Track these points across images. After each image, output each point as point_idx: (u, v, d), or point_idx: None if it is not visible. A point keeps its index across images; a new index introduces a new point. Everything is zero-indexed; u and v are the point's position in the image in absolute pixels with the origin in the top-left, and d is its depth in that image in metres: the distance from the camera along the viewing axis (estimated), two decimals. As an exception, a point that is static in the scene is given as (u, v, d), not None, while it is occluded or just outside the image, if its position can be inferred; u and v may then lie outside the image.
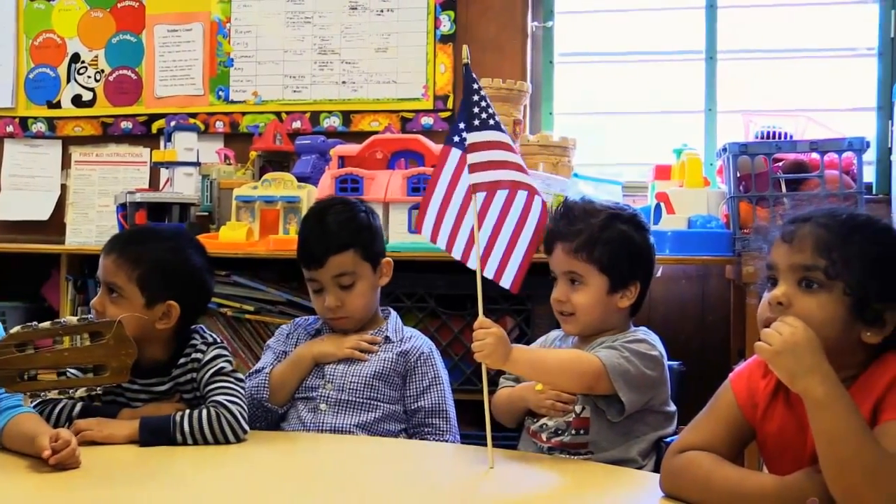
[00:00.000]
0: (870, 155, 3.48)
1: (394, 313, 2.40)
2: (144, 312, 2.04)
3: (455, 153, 1.92)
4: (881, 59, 3.63)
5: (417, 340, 2.35)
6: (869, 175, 3.57)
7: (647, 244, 2.11)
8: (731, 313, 3.34)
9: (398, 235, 3.01)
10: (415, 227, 2.00)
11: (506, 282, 1.95)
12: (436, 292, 3.06)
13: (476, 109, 1.88)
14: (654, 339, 2.05)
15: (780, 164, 3.06)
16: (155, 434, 1.95)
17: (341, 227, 2.30)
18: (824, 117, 3.45)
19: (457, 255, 1.95)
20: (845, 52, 3.78)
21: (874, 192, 3.58)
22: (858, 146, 2.96)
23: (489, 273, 1.94)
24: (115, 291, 2.05)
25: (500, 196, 1.92)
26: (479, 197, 1.90)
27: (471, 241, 1.91)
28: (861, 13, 3.73)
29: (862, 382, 1.49)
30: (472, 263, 1.91)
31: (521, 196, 1.92)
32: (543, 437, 2.03)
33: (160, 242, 2.14)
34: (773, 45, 3.84)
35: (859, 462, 1.35)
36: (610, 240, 2.03)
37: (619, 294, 2.05)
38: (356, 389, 2.24)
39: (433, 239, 1.96)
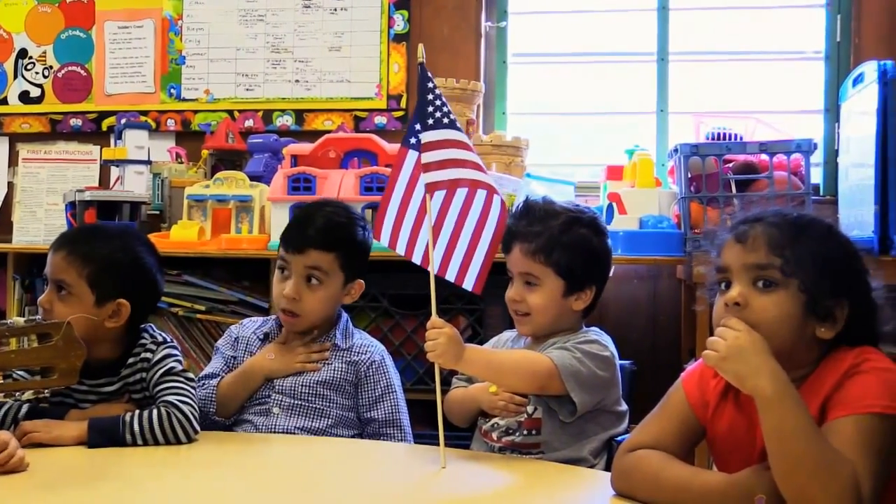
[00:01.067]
0: (817, 157, 3.53)
1: (344, 315, 2.37)
2: (93, 311, 2.01)
3: (412, 155, 1.89)
4: (828, 62, 3.69)
5: (368, 348, 2.30)
6: (816, 176, 3.62)
7: (604, 248, 2.12)
8: (682, 313, 3.37)
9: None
10: (373, 237, 1.96)
11: (468, 283, 1.93)
12: (389, 292, 3.05)
13: (430, 108, 1.86)
14: (605, 339, 2.06)
15: (730, 165, 3.10)
16: (104, 435, 1.92)
17: (337, 227, 2.27)
18: (773, 119, 3.50)
19: (417, 259, 1.93)
20: (793, 56, 3.84)
21: (821, 193, 3.63)
22: (806, 148, 3.01)
23: (451, 276, 1.93)
24: (63, 289, 2.02)
25: (460, 195, 1.90)
26: (439, 196, 1.89)
27: (431, 244, 1.89)
28: (809, 17, 3.79)
29: (812, 380, 1.51)
30: (434, 267, 1.89)
31: (481, 195, 1.90)
32: (494, 436, 2.04)
33: (111, 240, 2.11)
34: (723, 48, 3.89)
35: (808, 460, 1.36)
36: (569, 244, 2.03)
37: (575, 297, 2.06)
38: (306, 397, 2.22)
39: (392, 245, 1.94)
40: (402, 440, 2.24)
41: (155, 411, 1.96)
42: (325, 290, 2.24)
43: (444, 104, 1.87)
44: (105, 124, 3.99)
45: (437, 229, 1.90)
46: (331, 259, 2.24)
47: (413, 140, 1.89)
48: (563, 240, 2.03)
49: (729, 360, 1.44)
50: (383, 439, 2.23)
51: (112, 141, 3.72)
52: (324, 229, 2.25)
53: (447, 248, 1.92)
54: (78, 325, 1.81)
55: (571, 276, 2.04)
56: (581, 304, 2.07)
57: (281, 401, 2.22)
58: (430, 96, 1.87)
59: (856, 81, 3.17)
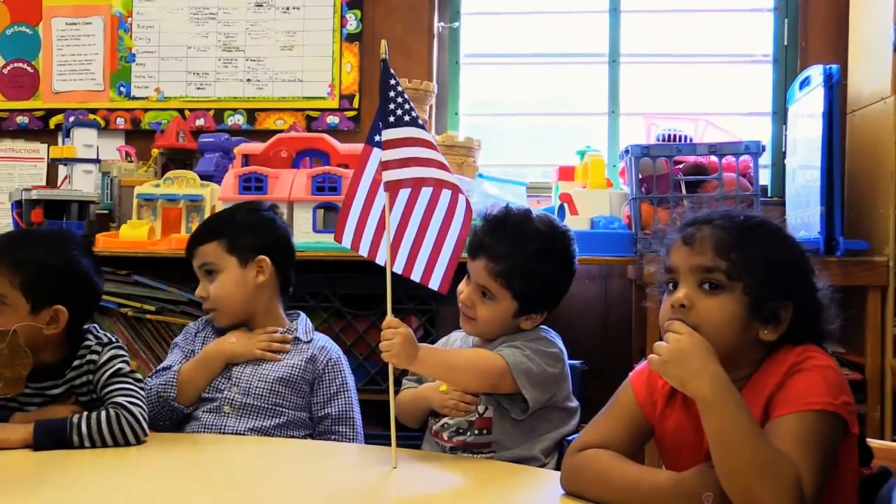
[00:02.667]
0: (765, 159, 3.59)
1: (303, 315, 2.40)
2: (30, 319, 1.97)
3: (376, 153, 1.87)
4: (776, 65, 3.74)
5: (326, 345, 2.33)
6: (764, 178, 3.68)
7: (567, 280, 2.11)
8: (632, 312, 3.40)
9: (303, 235, 2.99)
10: (334, 239, 1.95)
11: (434, 284, 1.92)
12: (340, 292, 3.05)
13: (392, 106, 1.84)
14: (553, 336, 2.08)
15: (681, 166, 3.13)
16: (50, 437, 1.89)
17: (213, 219, 2.41)
18: (723, 121, 3.54)
19: (381, 260, 1.90)
20: (742, 59, 3.89)
21: (769, 194, 3.69)
22: (755, 150, 3.05)
23: (416, 276, 1.92)
24: None
25: (425, 195, 1.88)
26: (404, 194, 1.87)
27: (395, 244, 1.88)
28: (757, 21, 3.84)
29: (755, 380, 1.53)
30: (398, 267, 1.89)
31: (446, 195, 1.89)
32: (445, 436, 2.04)
33: (41, 245, 2.06)
34: (674, 50, 3.93)
35: (750, 460, 1.38)
36: (533, 274, 2.01)
37: (525, 318, 2.07)
38: (261, 394, 2.22)
39: (355, 247, 1.92)
40: (353, 438, 2.25)
41: (103, 412, 1.94)
42: (223, 276, 2.31)
43: (406, 101, 1.85)
44: (53, 122, 3.93)
45: (401, 229, 1.88)
46: (214, 248, 2.32)
47: (377, 138, 1.86)
48: (528, 270, 2.01)
49: (670, 364, 1.46)
50: (335, 437, 2.24)
51: (60, 139, 3.67)
52: (202, 227, 2.40)
53: (412, 249, 1.90)
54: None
55: (526, 301, 2.04)
56: (529, 324, 2.08)
57: (233, 398, 2.22)
58: (392, 93, 1.85)
59: (802, 84, 3.22)
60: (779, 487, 1.36)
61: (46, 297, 2.00)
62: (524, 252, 2.02)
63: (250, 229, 2.36)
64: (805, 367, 1.49)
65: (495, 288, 2.03)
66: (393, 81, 1.86)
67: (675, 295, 1.55)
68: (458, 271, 2.00)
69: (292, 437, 2.21)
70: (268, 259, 2.33)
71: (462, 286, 2.09)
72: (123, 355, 2.08)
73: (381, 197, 1.87)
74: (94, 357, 2.06)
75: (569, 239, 2.11)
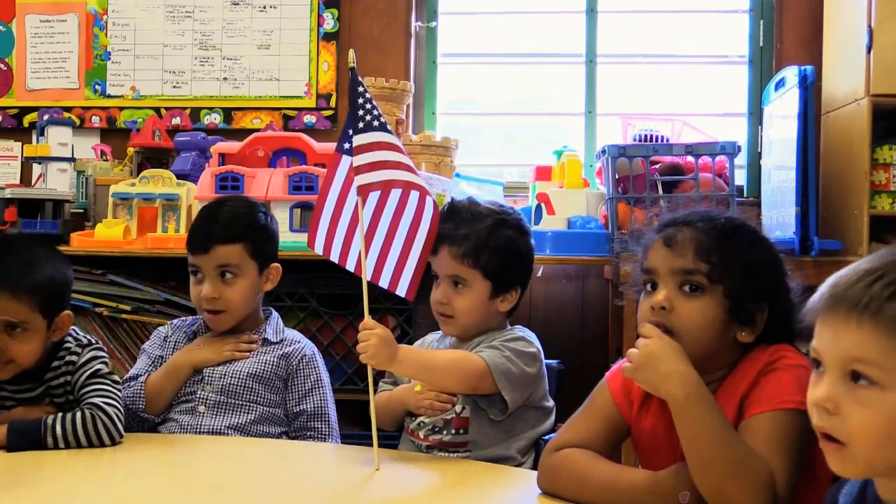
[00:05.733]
0: (741, 159, 3.61)
1: (275, 314, 2.37)
2: (47, 334, 1.99)
3: (346, 160, 1.88)
4: (751, 66, 3.77)
5: (299, 343, 2.31)
6: (740, 178, 3.70)
7: (529, 249, 2.13)
8: (609, 312, 3.41)
9: (280, 234, 2.98)
10: (307, 244, 1.95)
11: (401, 290, 1.93)
12: (317, 291, 3.04)
13: (361, 112, 1.86)
14: (530, 336, 2.08)
15: (657, 166, 3.14)
16: (24, 437, 1.88)
17: (236, 218, 2.26)
18: (699, 122, 3.56)
19: (350, 266, 1.91)
20: (718, 60, 3.92)
21: (745, 194, 3.71)
22: (731, 150, 3.07)
23: (384, 283, 1.92)
24: (17, 327, 1.94)
25: (394, 197, 1.89)
26: (374, 198, 1.88)
27: (364, 250, 1.88)
28: (733, 23, 3.86)
29: (730, 380, 1.54)
30: (368, 274, 1.89)
31: (414, 197, 1.90)
32: (421, 434, 2.04)
33: (43, 261, 2.03)
34: (650, 51, 3.95)
35: (723, 459, 1.38)
36: (496, 247, 2.03)
37: (501, 298, 2.07)
38: (234, 391, 2.20)
39: (326, 253, 1.92)
40: (328, 434, 2.24)
41: (79, 413, 1.92)
42: (243, 281, 2.24)
43: (374, 107, 1.87)
44: (27, 120, 3.91)
45: (370, 235, 1.89)
46: (238, 251, 2.23)
47: (346, 145, 1.88)
48: (491, 243, 2.03)
49: (641, 370, 1.47)
50: (311, 434, 2.23)
51: (34, 137, 3.65)
52: (224, 224, 2.25)
53: (380, 255, 1.91)
54: (34, 354, 1.89)
55: (498, 278, 2.05)
56: (507, 305, 2.09)
57: (206, 398, 2.20)
58: (361, 100, 1.87)
59: (778, 85, 3.24)
60: (752, 486, 1.37)
61: (57, 309, 2.01)
62: (482, 227, 2.04)
63: (272, 237, 2.33)
64: (778, 366, 1.50)
65: (465, 272, 2.04)
66: (361, 88, 1.88)
67: (654, 297, 1.55)
68: (425, 278, 2.01)
69: (268, 433, 2.20)
70: (280, 267, 2.32)
71: (434, 292, 2.09)
72: (102, 356, 2.07)
73: (351, 203, 1.88)
74: (74, 358, 2.04)
75: (517, 212, 2.15)
